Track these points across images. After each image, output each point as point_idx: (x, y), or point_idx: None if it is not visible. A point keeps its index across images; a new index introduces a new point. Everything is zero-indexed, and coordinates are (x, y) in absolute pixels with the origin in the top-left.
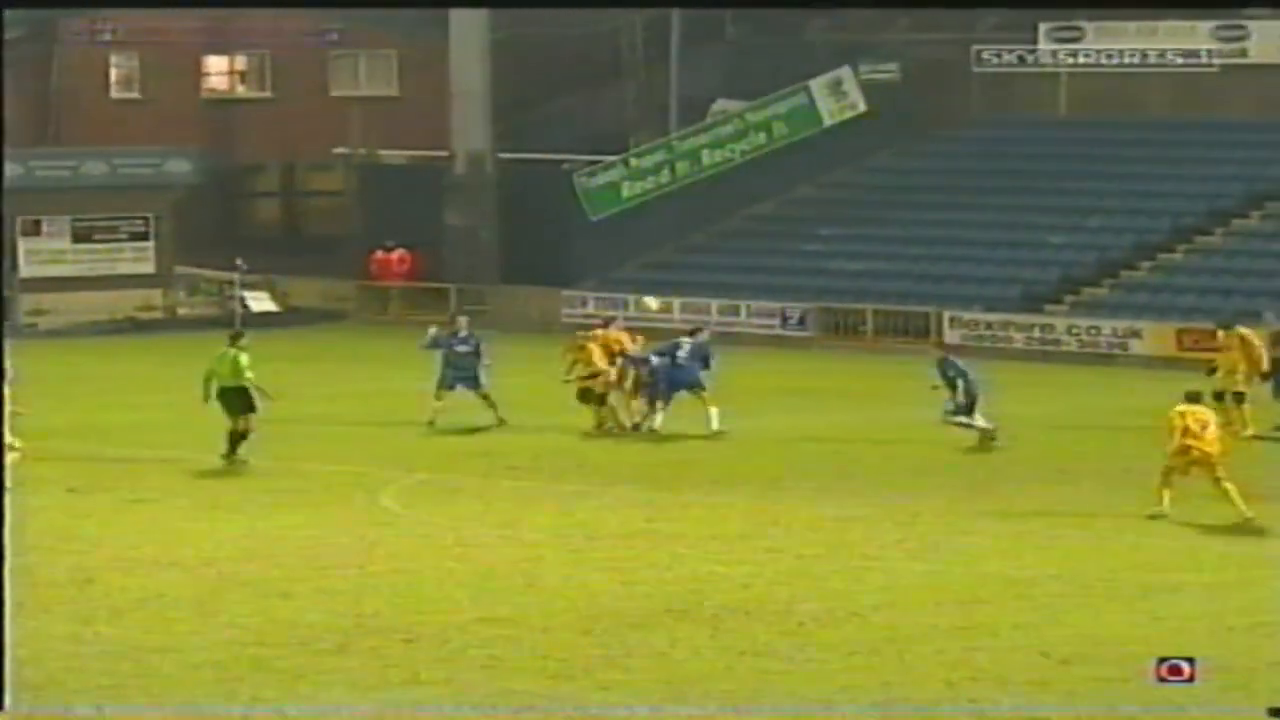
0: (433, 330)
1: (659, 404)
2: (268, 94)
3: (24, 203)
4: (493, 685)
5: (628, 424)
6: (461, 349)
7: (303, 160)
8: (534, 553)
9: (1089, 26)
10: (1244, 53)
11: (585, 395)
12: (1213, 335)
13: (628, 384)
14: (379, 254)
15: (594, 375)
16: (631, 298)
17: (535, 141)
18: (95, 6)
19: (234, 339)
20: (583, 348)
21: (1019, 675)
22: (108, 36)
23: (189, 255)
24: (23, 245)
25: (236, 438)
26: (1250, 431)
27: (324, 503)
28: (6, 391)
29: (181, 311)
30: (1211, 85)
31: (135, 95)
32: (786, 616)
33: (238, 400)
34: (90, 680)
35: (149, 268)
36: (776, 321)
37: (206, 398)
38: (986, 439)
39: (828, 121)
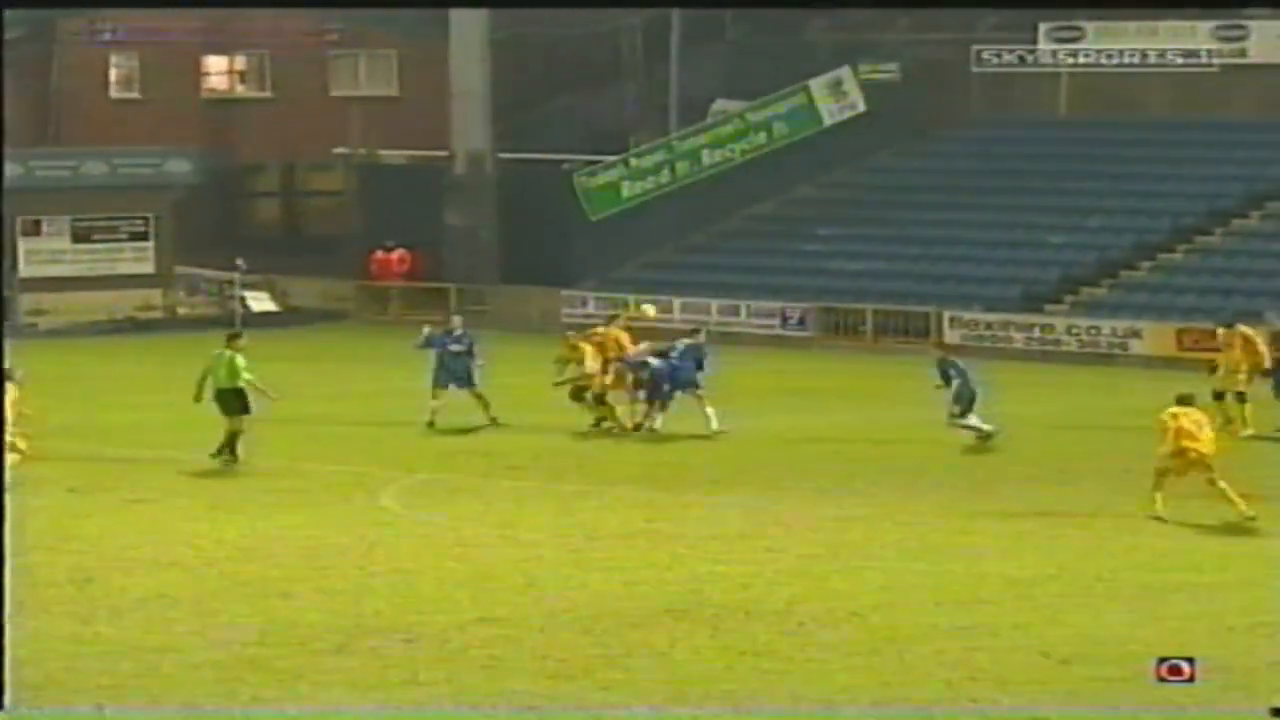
0: (426, 330)
1: (659, 404)
2: (268, 94)
3: (24, 203)
4: (493, 685)
5: (628, 424)
6: (455, 348)
7: (303, 160)
8: (534, 553)
9: (1089, 26)
10: (1244, 53)
11: (578, 395)
12: (1212, 335)
13: (627, 384)
14: (379, 254)
15: (588, 376)
16: (631, 298)
17: (535, 141)
18: (95, 6)
19: (231, 340)
20: (575, 347)
21: (1019, 675)
22: (108, 36)
23: (189, 255)
24: (23, 245)
25: (232, 437)
26: (1250, 431)
27: (324, 503)
28: (14, 393)
29: (181, 311)
30: (1211, 85)
31: (135, 95)
32: (786, 616)
33: (233, 401)
34: (90, 680)
35: (149, 268)
36: (776, 321)
37: (198, 397)
38: (981, 439)
39: (828, 121)
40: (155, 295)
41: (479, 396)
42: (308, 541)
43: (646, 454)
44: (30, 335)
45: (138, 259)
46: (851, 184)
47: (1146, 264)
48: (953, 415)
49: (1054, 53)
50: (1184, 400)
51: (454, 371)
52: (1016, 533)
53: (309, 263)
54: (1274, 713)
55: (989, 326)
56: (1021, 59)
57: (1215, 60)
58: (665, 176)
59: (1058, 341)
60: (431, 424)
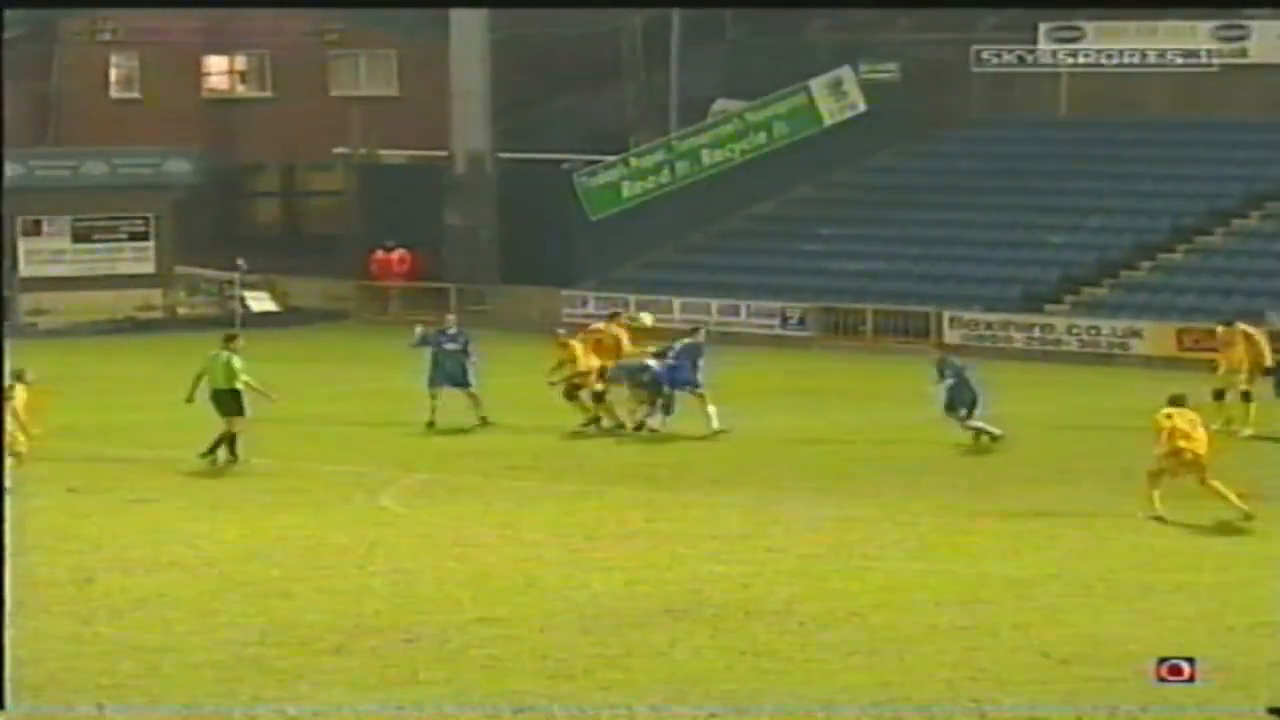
0: (419, 329)
1: (660, 405)
2: (268, 94)
3: (24, 203)
4: (493, 685)
5: (629, 424)
6: (450, 346)
7: (303, 160)
8: (534, 553)
9: (1089, 26)
10: (1244, 53)
11: (572, 394)
12: (1212, 334)
13: (624, 386)
14: (379, 254)
15: (582, 374)
16: (632, 298)
17: (535, 141)
18: (95, 6)
19: (228, 341)
20: (565, 345)
21: (1019, 675)
22: (108, 36)
23: (189, 255)
24: (23, 245)
25: (224, 439)
26: (1250, 431)
27: (324, 503)
28: (24, 395)
29: (181, 311)
30: (1211, 85)
31: (135, 95)
32: (786, 616)
33: (230, 403)
34: (90, 680)
35: (149, 268)
36: (776, 321)
37: (190, 398)
38: (974, 438)
39: (828, 121)
40: (155, 295)
41: (472, 396)
42: (308, 541)
43: (646, 454)
44: (30, 335)
45: (138, 259)
46: (851, 184)
47: (1146, 264)
48: (961, 418)
49: (1054, 53)
50: (1176, 401)
51: (449, 371)
52: (1016, 533)
53: (309, 263)
54: (1273, 712)
55: (989, 326)
56: (1021, 59)
57: (1215, 60)
58: (665, 176)
59: (1058, 341)
60: (431, 424)
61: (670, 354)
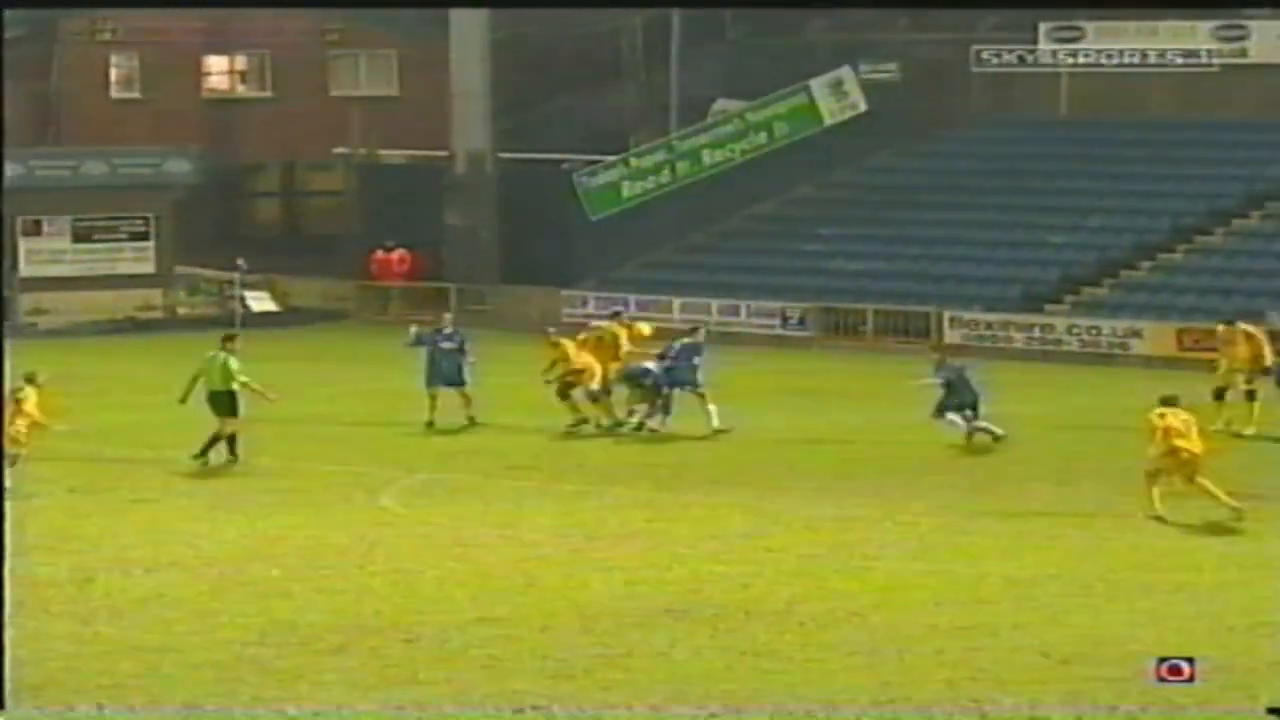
0: (413, 329)
1: (660, 405)
2: (268, 94)
3: (24, 202)
4: (493, 685)
5: (630, 423)
6: (446, 346)
7: (303, 160)
8: (534, 553)
9: (1089, 26)
10: (1244, 53)
11: (565, 393)
12: (1212, 334)
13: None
14: (379, 254)
15: (576, 372)
16: (632, 298)
17: (535, 141)
18: (95, 6)
19: (225, 341)
20: (556, 344)
21: (1019, 675)
22: (108, 36)
23: (189, 255)
24: (23, 245)
25: (217, 440)
26: (1253, 430)
27: (324, 503)
28: (34, 396)
29: (182, 311)
30: (1211, 85)
31: (135, 95)
32: (786, 616)
33: (224, 403)
34: (90, 680)
35: (149, 268)
36: (776, 321)
37: (184, 399)
38: (967, 437)
39: (828, 121)
40: (155, 295)
41: (465, 395)
42: (308, 541)
43: (646, 454)
44: (30, 335)
45: (138, 259)
46: (851, 184)
47: (1147, 264)
48: (966, 420)
49: (1054, 53)
50: (1168, 401)
51: (445, 371)
52: (1016, 533)
53: (309, 263)
54: (1273, 712)
55: (989, 326)
56: (1021, 59)
57: (1215, 60)
58: (665, 176)
59: (1058, 341)
60: (431, 424)
61: (670, 354)
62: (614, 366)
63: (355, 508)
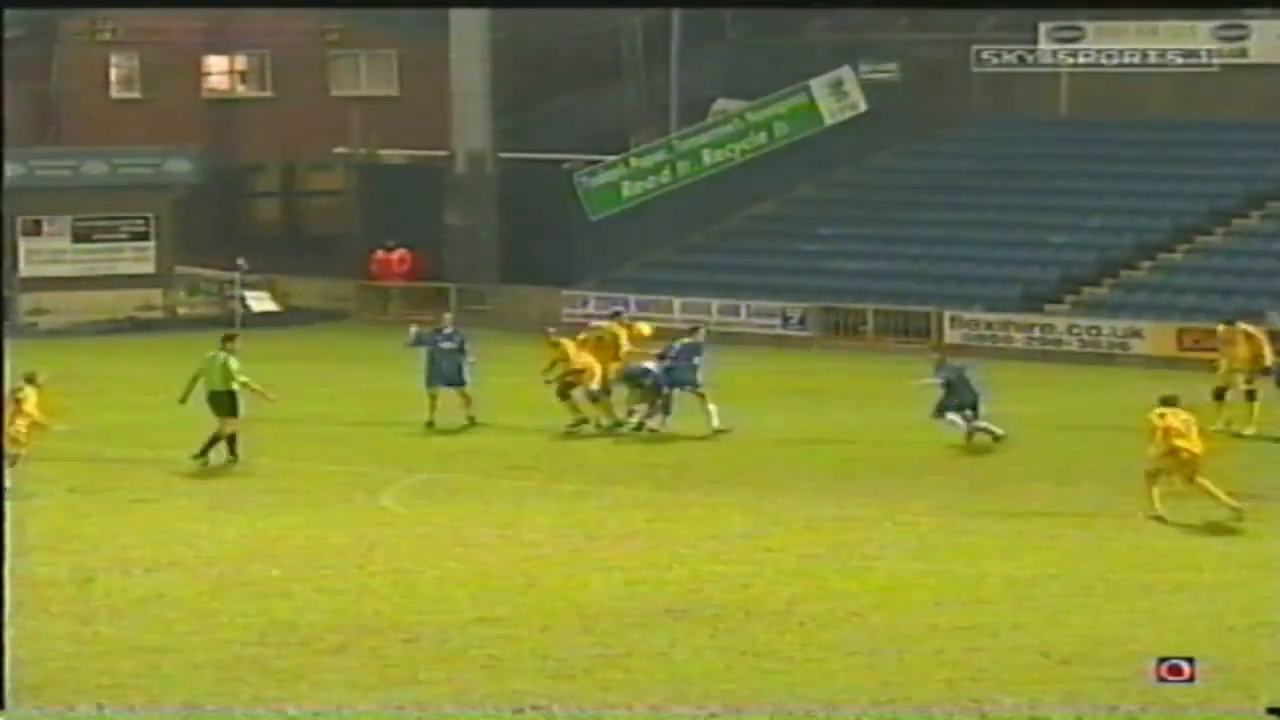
0: (413, 329)
1: (660, 405)
2: (268, 94)
3: (24, 202)
4: (493, 685)
5: (630, 423)
6: (446, 346)
7: (303, 160)
8: (534, 553)
9: (1089, 26)
10: (1244, 53)
11: (565, 393)
12: (1212, 334)
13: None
14: (379, 254)
15: (577, 372)
16: (632, 298)
17: (535, 141)
18: (95, 6)
19: (225, 341)
20: (556, 344)
21: (1019, 675)
22: (108, 36)
23: (189, 255)
24: (23, 245)
25: (217, 440)
26: (1254, 430)
27: (324, 503)
28: (35, 396)
29: (182, 311)
30: (1211, 85)
31: (135, 95)
32: (786, 616)
33: (224, 403)
34: (90, 680)
35: (149, 267)
36: (777, 321)
37: (184, 399)
38: (967, 437)
39: (828, 121)
40: (156, 295)
41: (465, 395)
42: (308, 541)
43: (646, 454)
44: (30, 335)
45: (138, 259)
46: (851, 184)
47: (1147, 264)
48: (967, 420)
49: (1054, 53)
50: (1168, 401)
51: (444, 371)
52: (1016, 533)
53: (309, 263)
54: (1273, 712)
55: (989, 326)
56: (1021, 59)
57: (1215, 60)
58: (665, 176)
59: (1058, 341)
60: (431, 424)
61: (670, 354)
62: (614, 366)
63: (355, 508)
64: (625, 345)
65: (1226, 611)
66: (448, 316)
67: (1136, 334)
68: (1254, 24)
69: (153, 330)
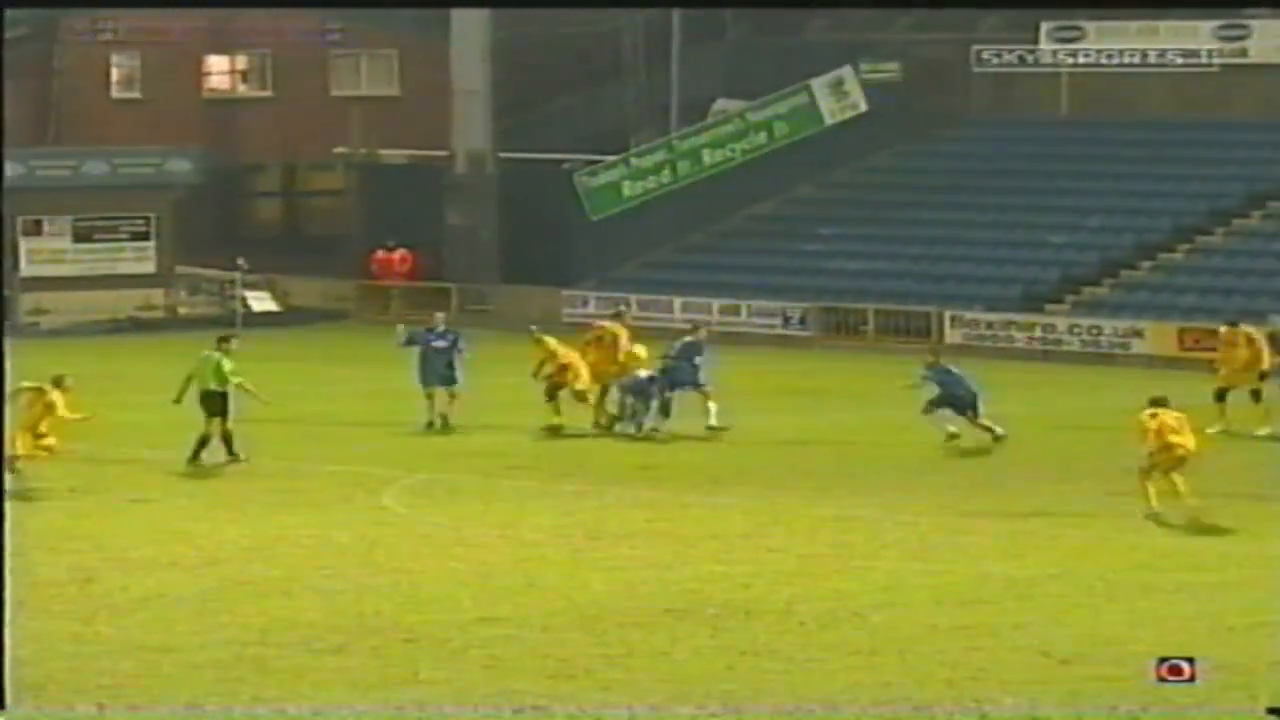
0: (400, 327)
1: (660, 406)
2: (268, 94)
3: (25, 202)
4: (493, 685)
5: (629, 429)
6: (438, 344)
7: (303, 160)
8: (534, 553)
9: (1089, 26)
10: (1244, 53)
11: (552, 393)
12: (1213, 334)
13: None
14: (380, 254)
15: (562, 369)
16: (633, 297)
17: (535, 141)
18: (95, 6)
19: (221, 342)
20: (539, 342)
21: (1019, 675)
22: (108, 36)
23: (190, 255)
24: (24, 245)
25: (206, 442)
26: (1267, 430)
27: (324, 503)
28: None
29: (182, 311)
30: (1212, 85)
31: (135, 95)
32: (786, 616)
33: (216, 404)
34: (90, 680)
35: (150, 267)
36: (777, 321)
37: (179, 398)
38: (949, 436)
39: (828, 121)
40: (156, 295)
41: (452, 395)
42: (308, 541)
43: (646, 454)
44: (31, 335)
45: (139, 259)
46: (851, 184)
47: (1147, 264)
48: (969, 417)
49: (1054, 53)
50: (1158, 402)
51: (438, 370)
52: (1016, 533)
53: (309, 262)
54: (1273, 712)
55: (990, 326)
56: (1022, 59)
57: (1215, 60)
58: (666, 176)
59: (1059, 341)
60: (431, 424)
61: (670, 353)
62: (613, 370)
63: (356, 508)
64: (625, 345)
65: (1226, 611)
66: (440, 316)
67: (1137, 334)
68: (1254, 24)
69: (153, 330)
